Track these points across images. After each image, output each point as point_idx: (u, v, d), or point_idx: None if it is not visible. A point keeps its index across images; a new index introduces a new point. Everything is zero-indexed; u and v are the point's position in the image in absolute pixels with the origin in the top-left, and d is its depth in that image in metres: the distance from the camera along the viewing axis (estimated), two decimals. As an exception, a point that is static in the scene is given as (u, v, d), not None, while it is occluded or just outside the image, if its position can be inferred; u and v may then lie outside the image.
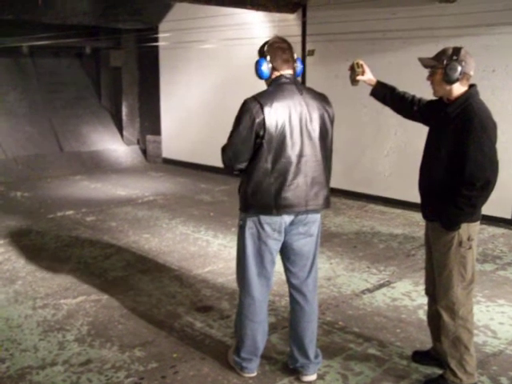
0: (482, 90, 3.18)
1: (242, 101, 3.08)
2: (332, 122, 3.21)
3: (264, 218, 3.12)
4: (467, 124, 2.98)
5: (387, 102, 3.52)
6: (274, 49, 3.13)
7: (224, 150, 3.16)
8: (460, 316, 3.15)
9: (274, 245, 3.19)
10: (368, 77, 3.49)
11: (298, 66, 3.22)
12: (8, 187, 8.86)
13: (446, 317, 3.17)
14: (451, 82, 3.04)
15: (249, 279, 3.24)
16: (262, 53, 3.17)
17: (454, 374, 3.19)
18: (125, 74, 11.28)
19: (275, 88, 3.08)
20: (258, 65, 3.13)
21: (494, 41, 6.42)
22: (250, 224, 3.17)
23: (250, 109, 3.00)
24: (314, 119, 3.10)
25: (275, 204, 3.07)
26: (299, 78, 3.32)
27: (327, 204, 3.23)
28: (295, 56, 3.22)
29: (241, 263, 3.27)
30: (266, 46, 3.15)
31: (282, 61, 3.12)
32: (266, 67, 3.12)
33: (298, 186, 3.09)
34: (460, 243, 3.08)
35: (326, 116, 3.16)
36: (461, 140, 2.99)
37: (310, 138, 3.10)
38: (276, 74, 3.13)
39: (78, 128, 11.12)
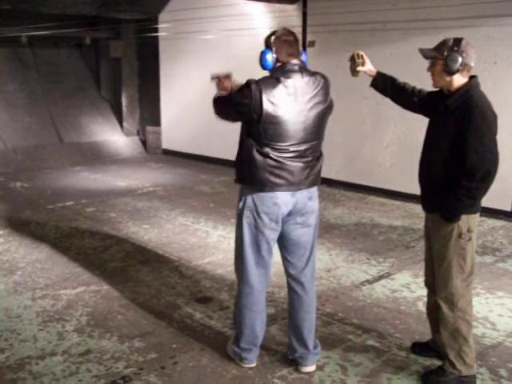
0: (483, 82, 3.17)
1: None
2: (332, 108, 3.24)
3: (262, 208, 3.13)
4: (468, 115, 2.97)
5: (387, 93, 3.51)
6: (281, 42, 3.11)
7: (219, 101, 3.24)
8: (459, 308, 3.15)
9: (271, 234, 3.20)
10: (368, 68, 3.47)
11: (302, 57, 3.21)
12: (8, 178, 8.85)
13: (445, 308, 3.18)
14: (452, 73, 3.02)
15: (247, 268, 3.25)
16: (268, 44, 3.15)
17: (453, 366, 3.20)
18: (124, 65, 11.26)
19: (279, 75, 3.06)
20: (262, 55, 3.12)
21: (496, 32, 6.40)
22: (247, 213, 3.18)
23: (249, 91, 2.99)
24: (314, 107, 3.11)
25: (268, 181, 3.09)
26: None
27: (318, 182, 3.29)
28: (300, 49, 3.21)
29: (239, 252, 3.29)
30: (273, 38, 3.13)
31: (287, 54, 3.11)
32: (270, 59, 3.11)
33: (294, 168, 3.11)
34: (460, 235, 3.08)
35: (326, 104, 3.18)
36: (461, 131, 2.98)
37: (309, 125, 3.10)
38: (279, 64, 3.12)
39: (77, 119, 11.10)
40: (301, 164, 3.13)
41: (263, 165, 3.08)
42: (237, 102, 3.05)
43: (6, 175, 9.03)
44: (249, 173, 3.13)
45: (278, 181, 3.10)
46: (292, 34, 3.18)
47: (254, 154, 3.08)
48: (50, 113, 10.82)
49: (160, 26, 10.29)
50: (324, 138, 3.29)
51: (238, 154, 3.23)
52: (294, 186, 3.14)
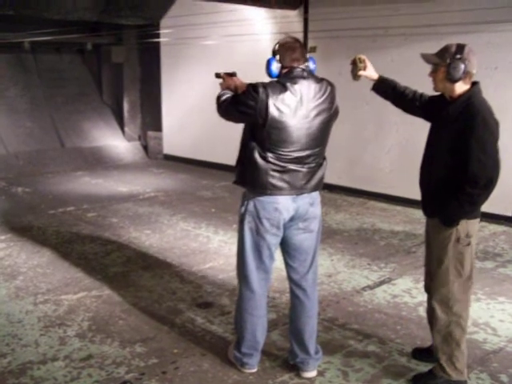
0: (485, 88, 3.16)
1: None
2: (337, 115, 3.24)
3: (263, 214, 3.14)
4: (469, 123, 2.96)
5: (388, 97, 3.50)
6: (285, 49, 3.13)
7: (223, 100, 3.21)
8: (454, 312, 3.14)
9: (273, 240, 3.21)
10: (370, 72, 3.47)
11: (311, 65, 3.21)
12: (9, 183, 8.86)
13: (439, 311, 3.17)
14: (454, 81, 3.02)
15: (248, 272, 3.26)
16: (273, 52, 3.18)
17: (443, 370, 3.19)
18: (126, 70, 11.28)
19: (285, 80, 3.07)
20: (268, 64, 3.14)
21: (497, 38, 6.41)
22: (249, 218, 3.20)
23: (256, 95, 3.00)
24: (319, 114, 3.10)
25: (270, 184, 3.09)
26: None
27: (321, 186, 3.29)
28: (307, 55, 3.21)
29: (240, 257, 3.30)
30: (277, 46, 3.17)
31: (290, 59, 3.11)
32: (275, 66, 3.13)
33: (296, 172, 3.12)
34: (458, 239, 3.07)
35: (332, 111, 3.17)
36: (463, 139, 2.97)
37: (314, 132, 3.11)
38: (285, 70, 3.13)
39: (79, 124, 11.12)
40: (303, 169, 3.14)
41: (265, 168, 3.09)
42: (242, 103, 3.06)
43: (8, 180, 9.04)
44: (251, 175, 3.14)
45: (280, 184, 3.10)
46: (297, 41, 3.21)
47: (257, 157, 3.09)
48: (51, 118, 10.85)
49: (162, 31, 10.32)
50: (327, 144, 3.29)
51: (240, 156, 3.24)
52: (295, 190, 3.14)
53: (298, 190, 3.15)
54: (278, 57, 3.13)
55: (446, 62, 3.02)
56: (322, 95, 3.12)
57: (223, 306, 4.35)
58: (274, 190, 3.11)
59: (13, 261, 5.32)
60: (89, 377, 3.35)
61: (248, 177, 3.16)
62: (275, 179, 3.10)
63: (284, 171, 3.10)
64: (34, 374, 3.37)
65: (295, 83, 3.06)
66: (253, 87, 3.04)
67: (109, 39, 11.09)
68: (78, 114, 11.20)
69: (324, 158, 3.28)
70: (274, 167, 3.09)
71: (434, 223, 3.20)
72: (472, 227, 3.11)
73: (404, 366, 3.49)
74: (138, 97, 11.53)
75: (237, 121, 3.21)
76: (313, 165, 3.18)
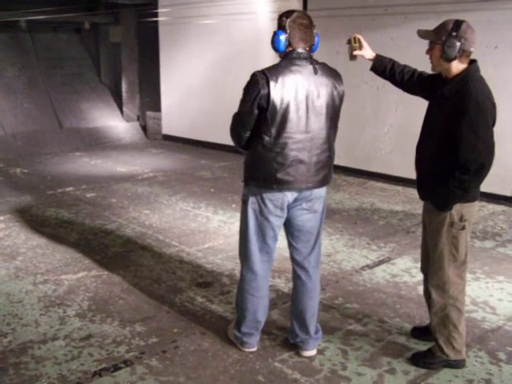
0: (485, 67, 3.11)
1: (242, 76, 3.05)
2: (341, 100, 3.19)
3: (266, 195, 3.12)
4: (462, 105, 2.88)
5: (386, 76, 3.43)
6: (297, 25, 3.04)
7: (234, 118, 3.15)
8: (450, 295, 3.13)
9: (276, 221, 3.19)
10: (365, 52, 3.41)
11: (316, 41, 3.15)
12: (7, 164, 8.84)
13: (435, 295, 3.16)
14: (449, 59, 2.93)
15: (250, 254, 3.26)
16: (282, 25, 3.06)
17: (441, 350, 3.21)
18: (124, 50, 11.20)
19: (286, 62, 3.02)
20: (275, 37, 3.04)
21: (498, 16, 6.35)
22: (252, 200, 3.17)
23: (256, 81, 2.96)
24: (321, 96, 3.06)
25: (275, 179, 3.06)
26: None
27: (328, 181, 3.24)
28: (314, 32, 3.15)
29: (243, 238, 3.29)
30: (288, 21, 3.04)
31: (299, 39, 3.05)
32: (284, 41, 3.03)
33: (301, 163, 3.07)
34: (451, 224, 3.03)
35: (335, 94, 3.12)
36: (456, 121, 2.89)
37: (316, 114, 3.06)
38: (290, 48, 3.07)
39: (77, 104, 11.06)
40: (307, 154, 3.07)
41: (270, 162, 3.04)
42: (248, 101, 2.98)
43: (6, 161, 9.02)
44: (255, 172, 3.11)
45: (286, 179, 3.05)
46: (307, 17, 3.11)
47: (259, 141, 3.04)
48: (49, 98, 10.79)
49: (160, 10, 10.23)
50: (335, 130, 3.24)
51: (247, 154, 3.20)
52: (301, 183, 3.09)
53: (303, 183, 3.11)
54: (288, 32, 3.02)
55: (441, 39, 2.93)
56: (325, 79, 3.08)
57: (223, 285, 4.36)
58: (280, 185, 3.08)
59: (12, 241, 5.33)
60: (89, 356, 3.37)
61: (252, 172, 3.14)
62: (281, 174, 3.05)
63: (289, 164, 3.05)
64: (35, 353, 3.39)
65: (297, 65, 3.01)
66: (249, 82, 2.99)
67: (106, 18, 11.00)
68: (76, 94, 11.14)
69: (330, 147, 3.20)
70: (279, 157, 3.04)
71: (428, 207, 3.16)
72: (467, 210, 3.04)
73: (403, 345, 3.51)
74: (136, 77, 11.46)
75: (252, 121, 3.05)
76: (317, 151, 3.11)
